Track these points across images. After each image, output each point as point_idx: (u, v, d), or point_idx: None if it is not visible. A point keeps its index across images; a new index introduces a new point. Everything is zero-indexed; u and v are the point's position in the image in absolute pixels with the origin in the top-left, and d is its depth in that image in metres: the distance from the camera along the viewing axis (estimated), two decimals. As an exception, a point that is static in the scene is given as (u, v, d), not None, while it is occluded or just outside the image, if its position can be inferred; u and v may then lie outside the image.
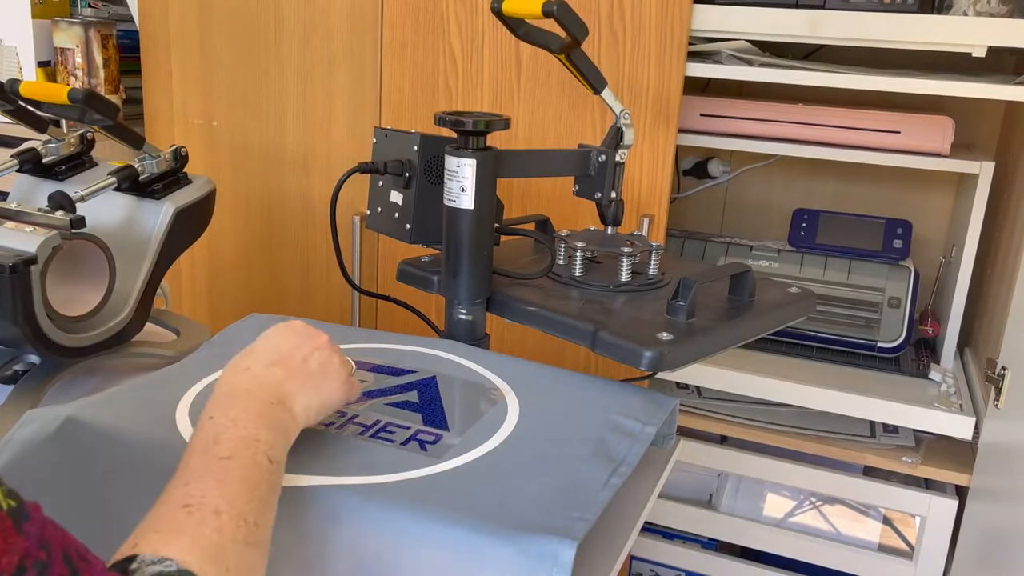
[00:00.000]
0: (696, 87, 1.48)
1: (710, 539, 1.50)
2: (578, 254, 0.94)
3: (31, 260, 0.79)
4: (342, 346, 0.88)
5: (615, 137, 0.95)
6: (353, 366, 0.74)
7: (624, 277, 0.94)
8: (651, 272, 0.96)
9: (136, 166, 0.97)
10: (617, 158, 0.94)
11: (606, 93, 0.95)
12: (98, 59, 1.54)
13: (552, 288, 0.93)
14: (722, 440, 1.43)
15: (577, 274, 0.94)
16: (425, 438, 0.71)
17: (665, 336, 0.80)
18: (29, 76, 1.55)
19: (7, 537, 0.42)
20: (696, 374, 1.38)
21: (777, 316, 0.91)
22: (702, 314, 0.86)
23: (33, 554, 0.43)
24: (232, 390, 0.63)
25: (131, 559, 0.49)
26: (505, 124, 0.84)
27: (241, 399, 0.62)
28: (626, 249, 0.93)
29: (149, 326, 1.00)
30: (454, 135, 0.84)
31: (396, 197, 0.93)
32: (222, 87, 1.51)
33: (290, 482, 0.63)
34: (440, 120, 0.83)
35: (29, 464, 0.66)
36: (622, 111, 0.95)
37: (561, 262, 0.97)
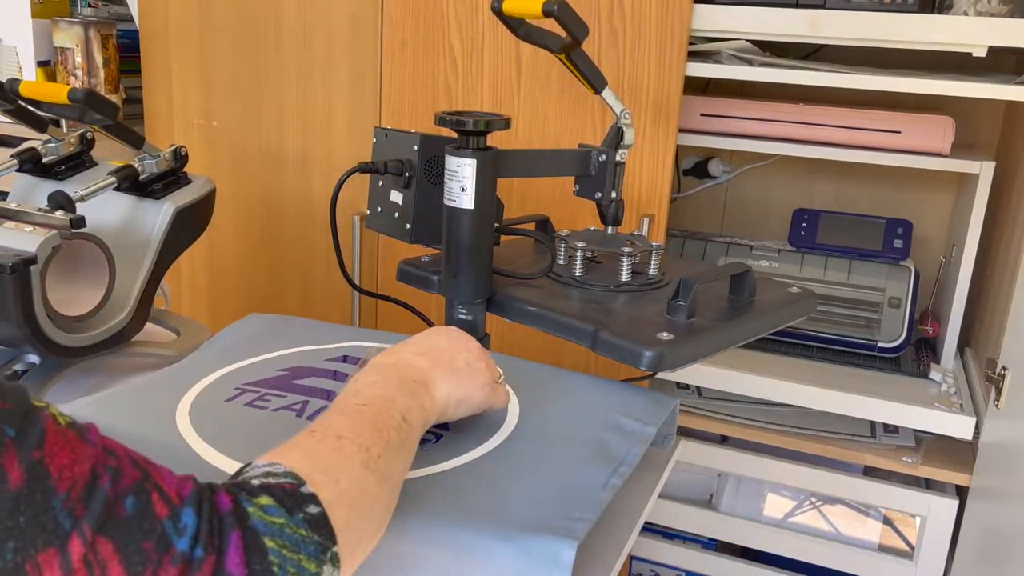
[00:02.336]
0: (696, 87, 1.48)
1: (710, 539, 1.50)
2: (578, 254, 0.94)
3: (31, 260, 0.79)
4: (343, 345, 0.88)
5: (615, 137, 0.95)
6: (501, 374, 0.75)
7: (624, 277, 0.93)
8: (651, 272, 0.96)
9: (136, 166, 0.97)
10: (617, 158, 0.94)
11: (606, 93, 0.95)
12: (98, 59, 1.54)
13: (552, 288, 0.93)
14: (722, 440, 1.43)
15: (577, 274, 0.94)
16: (425, 437, 0.71)
17: (665, 336, 0.80)
18: (29, 76, 1.55)
19: (74, 448, 0.43)
20: (696, 374, 1.38)
21: (777, 316, 0.91)
22: (702, 314, 0.86)
23: (102, 460, 0.44)
24: (377, 365, 0.66)
25: (245, 467, 0.51)
26: (505, 124, 0.84)
27: (384, 371, 0.65)
28: (626, 249, 0.93)
29: (149, 326, 1.00)
30: (454, 135, 0.84)
31: (396, 197, 0.93)
32: (222, 87, 1.51)
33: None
34: (440, 120, 0.83)
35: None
36: (623, 111, 0.95)
37: (561, 262, 0.97)
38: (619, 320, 0.84)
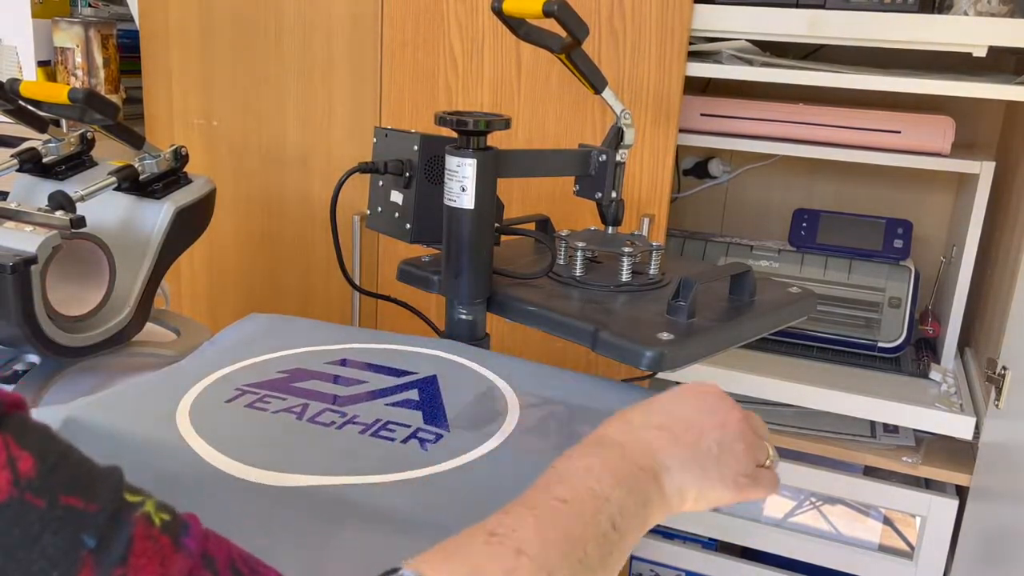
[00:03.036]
0: (696, 87, 1.48)
1: (710, 539, 1.49)
2: (579, 254, 0.94)
3: (31, 260, 0.79)
4: (343, 347, 0.88)
5: (616, 137, 0.95)
6: (770, 456, 0.60)
7: (624, 277, 0.93)
8: (651, 272, 0.96)
9: (136, 166, 0.97)
10: (617, 158, 0.94)
11: (607, 93, 0.95)
12: (98, 59, 1.54)
13: (552, 288, 0.93)
14: (722, 440, 1.42)
15: (577, 274, 0.94)
16: (425, 437, 0.71)
17: (666, 336, 0.80)
18: (29, 76, 1.55)
19: (166, 558, 0.37)
20: (696, 374, 1.38)
21: (778, 316, 0.91)
22: (702, 314, 0.86)
23: (197, 573, 0.38)
24: (602, 439, 0.54)
25: (393, 570, 0.42)
26: (506, 124, 0.84)
27: (607, 449, 0.52)
28: (626, 249, 0.93)
29: (149, 326, 1.00)
30: (454, 135, 0.84)
31: (396, 197, 0.93)
32: (222, 87, 1.51)
33: (289, 482, 0.63)
34: (441, 120, 0.83)
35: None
36: (623, 111, 0.95)
37: (561, 262, 0.97)
38: (619, 320, 0.84)
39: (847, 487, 1.34)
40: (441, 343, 0.88)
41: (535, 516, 0.46)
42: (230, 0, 1.46)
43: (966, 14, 1.17)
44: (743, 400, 1.40)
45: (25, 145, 1.00)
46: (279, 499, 0.59)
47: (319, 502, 0.62)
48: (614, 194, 0.95)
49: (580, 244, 0.94)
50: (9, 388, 0.87)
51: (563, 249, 0.98)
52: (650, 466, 0.53)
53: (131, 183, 0.96)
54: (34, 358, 0.92)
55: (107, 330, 0.92)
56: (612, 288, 0.92)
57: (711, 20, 1.24)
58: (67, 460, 0.37)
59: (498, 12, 0.88)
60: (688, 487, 0.54)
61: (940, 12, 1.20)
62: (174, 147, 1.00)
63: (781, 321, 0.92)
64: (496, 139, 0.86)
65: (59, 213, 0.85)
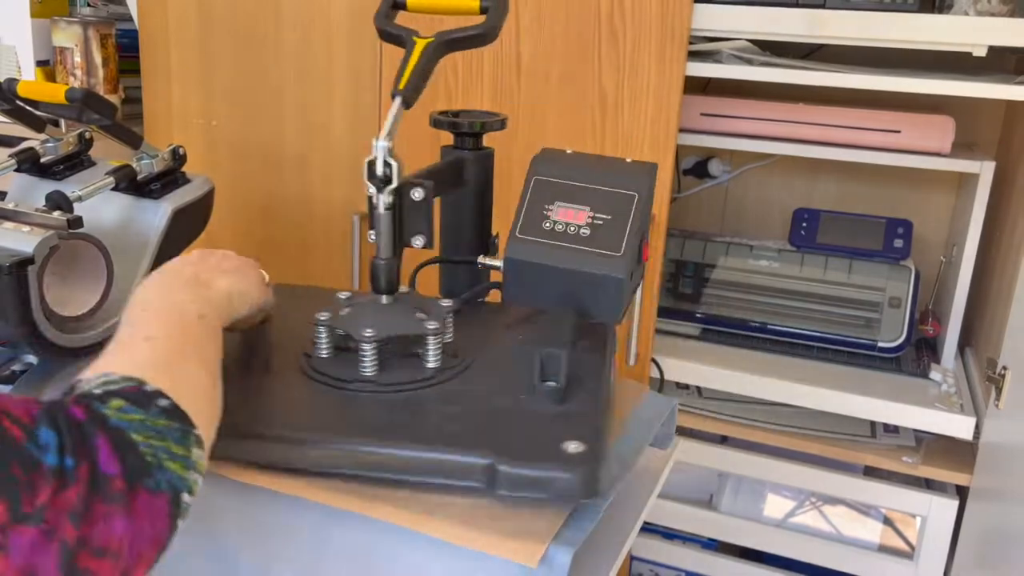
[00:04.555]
0: (696, 87, 1.48)
1: (710, 539, 1.49)
2: (368, 348, 0.70)
3: (28, 260, 0.79)
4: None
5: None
6: (267, 276, 0.78)
7: (431, 364, 0.72)
8: (448, 339, 0.75)
9: (134, 166, 0.97)
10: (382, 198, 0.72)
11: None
12: (97, 58, 1.54)
13: (338, 409, 0.68)
14: (722, 440, 1.42)
15: (368, 373, 0.70)
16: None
17: (573, 447, 0.61)
18: (28, 75, 1.55)
19: None
20: (696, 374, 1.38)
21: (611, 362, 0.77)
22: (571, 391, 0.68)
23: None
24: (151, 278, 0.67)
25: (74, 384, 0.51)
26: (501, 124, 0.84)
27: (161, 279, 0.67)
28: (430, 325, 0.72)
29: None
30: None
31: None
32: (222, 87, 1.51)
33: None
34: (436, 122, 0.83)
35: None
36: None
37: (324, 354, 0.73)
38: (498, 435, 0.64)
39: (847, 487, 1.34)
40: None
41: (140, 321, 0.60)
42: (230, 0, 1.46)
43: (966, 14, 1.17)
44: (743, 400, 1.40)
45: (23, 145, 1.00)
46: (277, 506, 0.59)
47: (314, 505, 0.62)
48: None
49: (368, 332, 0.70)
50: (7, 389, 0.87)
51: (325, 339, 0.73)
52: (195, 277, 0.68)
53: (129, 183, 0.96)
54: (32, 359, 0.92)
55: (105, 330, 0.92)
56: (425, 384, 0.70)
57: (711, 20, 1.23)
58: None
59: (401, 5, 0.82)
60: (232, 286, 0.70)
61: (940, 12, 1.20)
62: (172, 147, 1.00)
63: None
64: (496, 139, 0.85)
65: (56, 213, 0.84)
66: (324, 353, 0.73)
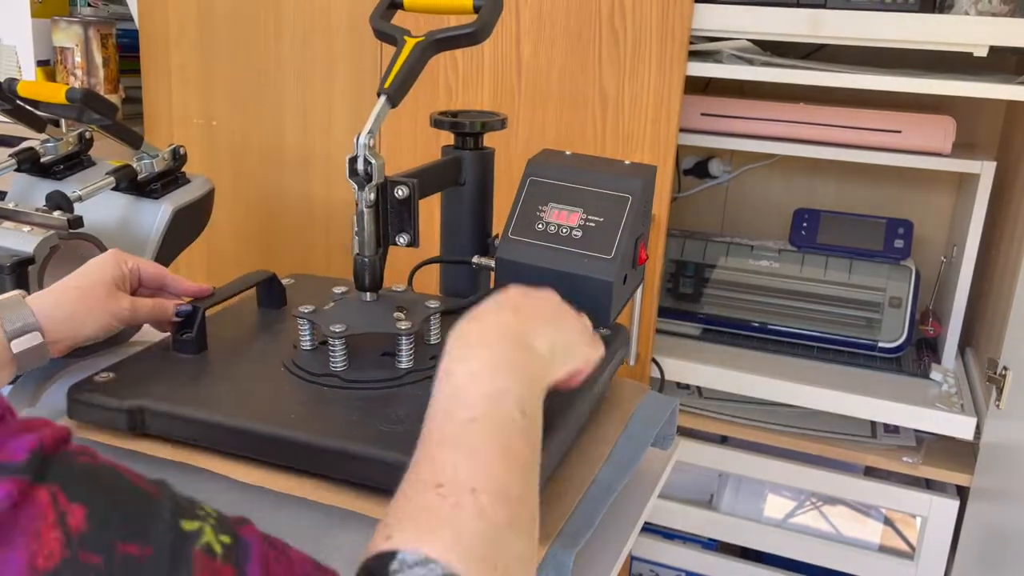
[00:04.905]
0: (697, 87, 1.48)
1: (710, 539, 1.49)
2: (337, 343, 0.70)
3: (28, 260, 0.79)
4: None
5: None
6: (590, 324, 0.64)
7: (405, 363, 0.71)
8: (432, 340, 0.75)
9: (134, 165, 0.97)
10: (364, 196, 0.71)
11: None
12: (97, 58, 1.54)
13: (309, 401, 0.68)
14: (722, 440, 1.42)
15: (337, 367, 0.70)
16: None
17: None
18: (28, 75, 1.55)
19: None
20: (696, 374, 1.38)
21: (603, 376, 0.76)
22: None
23: None
24: (464, 340, 0.53)
25: (390, 556, 0.41)
26: (501, 124, 0.83)
27: (476, 350, 0.52)
28: (403, 324, 0.70)
29: (147, 326, 1.00)
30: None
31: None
32: (222, 87, 1.51)
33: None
34: (436, 122, 0.83)
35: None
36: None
37: (308, 346, 0.74)
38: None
39: (847, 487, 1.34)
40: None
41: (462, 449, 0.46)
42: (230, 0, 1.46)
43: (967, 14, 1.17)
44: (743, 400, 1.40)
45: (23, 145, 1.00)
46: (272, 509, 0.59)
47: (316, 505, 0.62)
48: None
49: (337, 328, 0.70)
50: (7, 389, 0.87)
51: (307, 332, 0.74)
52: (516, 336, 0.54)
53: (129, 183, 0.96)
54: (32, 358, 0.92)
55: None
56: (390, 384, 0.69)
57: (711, 19, 1.23)
58: (117, 499, 0.36)
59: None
60: (556, 339, 0.57)
61: (941, 11, 1.20)
62: (172, 147, 1.00)
63: (605, 382, 0.76)
64: (496, 138, 0.85)
65: (57, 213, 0.85)
66: (307, 346, 0.74)
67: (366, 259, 0.71)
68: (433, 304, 0.75)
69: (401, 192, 0.71)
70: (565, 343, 0.58)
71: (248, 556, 0.37)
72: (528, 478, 0.48)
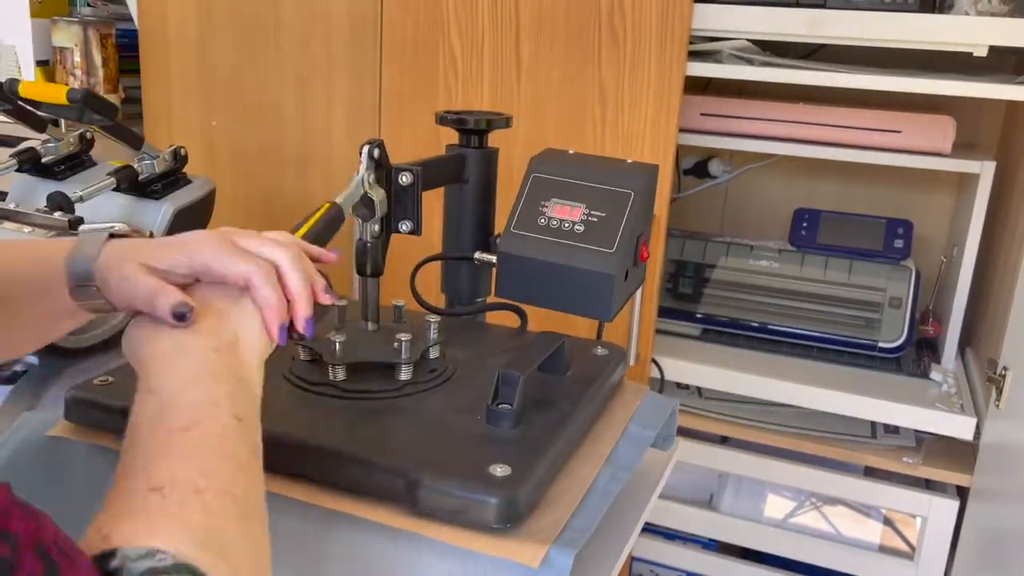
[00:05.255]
0: (697, 86, 1.48)
1: (710, 540, 1.49)
2: (336, 341, 0.72)
3: (29, 261, 0.79)
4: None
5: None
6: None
7: (404, 376, 0.72)
8: (432, 354, 0.75)
9: (135, 166, 0.97)
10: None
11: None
12: (97, 58, 1.54)
13: (304, 408, 0.69)
14: (722, 440, 1.42)
15: (339, 378, 0.71)
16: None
17: (500, 470, 0.60)
18: (28, 75, 1.55)
19: None
20: (696, 374, 1.38)
21: (600, 394, 0.76)
22: (533, 415, 0.68)
23: None
24: (162, 351, 0.53)
25: (110, 555, 0.40)
26: (506, 122, 0.84)
27: (175, 358, 0.52)
28: (403, 337, 0.72)
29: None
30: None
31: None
32: (222, 87, 1.51)
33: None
34: (441, 119, 0.83)
35: (23, 467, 0.66)
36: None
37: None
38: (424, 454, 0.63)
39: (847, 487, 1.34)
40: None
41: (179, 454, 0.46)
42: (230, 0, 1.46)
43: (967, 14, 1.17)
44: (743, 400, 1.39)
45: (24, 145, 1.00)
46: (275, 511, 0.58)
47: (316, 508, 0.62)
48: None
49: (338, 339, 0.71)
50: (7, 389, 0.87)
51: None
52: (222, 343, 0.53)
53: (130, 183, 0.96)
54: (33, 359, 0.92)
55: (106, 331, 0.92)
56: (389, 394, 0.70)
57: (711, 19, 1.23)
58: None
59: None
60: (257, 337, 0.55)
61: (941, 12, 1.20)
62: (173, 147, 1.00)
63: (603, 400, 0.77)
64: (497, 138, 0.85)
65: (58, 214, 0.85)
66: (306, 357, 0.74)
67: (367, 243, 0.73)
68: (433, 328, 0.76)
69: (405, 179, 0.72)
70: (240, 332, 0.55)
71: None
72: (251, 478, 0.48)
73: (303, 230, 0.64)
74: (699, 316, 1.49)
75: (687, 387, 1.46)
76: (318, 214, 0.66)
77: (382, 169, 0.72)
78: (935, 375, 1.35)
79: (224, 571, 0.42)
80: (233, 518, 0.45)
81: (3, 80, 0.94)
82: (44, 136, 1.02)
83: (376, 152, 0.70)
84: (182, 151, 1.00)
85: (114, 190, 0.95)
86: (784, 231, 1.55)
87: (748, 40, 1.27)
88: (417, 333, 0.75)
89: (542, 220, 0.75)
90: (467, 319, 0.88)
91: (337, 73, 1.43)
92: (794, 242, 1.51)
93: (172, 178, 1.00)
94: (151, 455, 0.46)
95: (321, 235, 0.65)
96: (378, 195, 0.71)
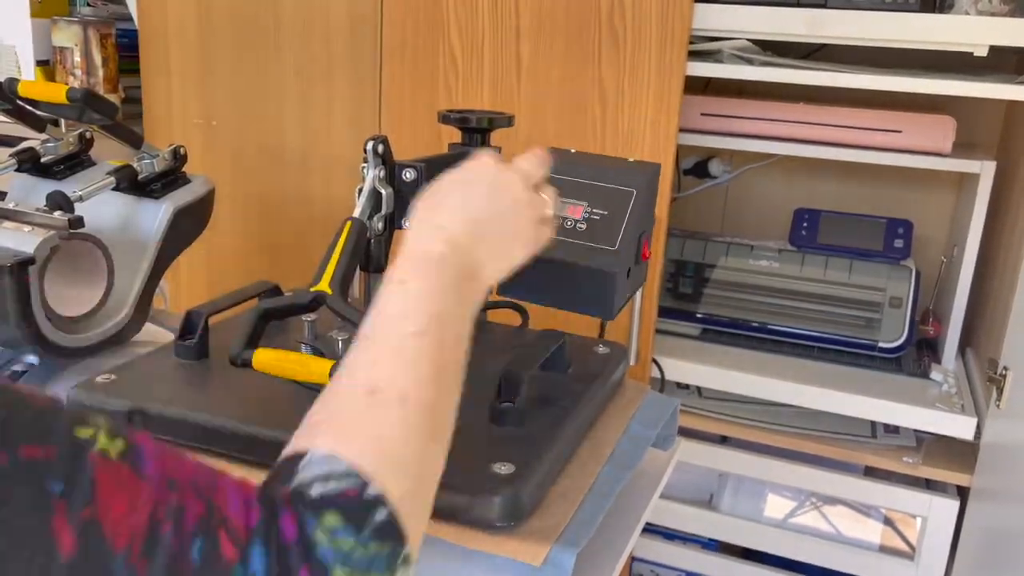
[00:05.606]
0: (696, 87, 1.48)
1: (711, 539, 1.49)
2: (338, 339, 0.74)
3: (29, 260, 0.79)
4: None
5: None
6: (548, 202, 0.66)
7: None
8: None
9: (135, 166, 0.97)
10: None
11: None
12: (97, 58, 1.54)
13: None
14: (722, 440, 1.42)
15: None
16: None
17: (504, 469, 0.61)
18: (28, 75, 1.55)
19: (131, 489, 0.37)
20: (696, 374, 1.38)
21: (601, 393, 0.77)
22: (536, 414, 0.69)
23: (163, 500, 0.38)
24: (426, 254, 0.56)
25: (301, 456, 0.44)
26: (508, 121, 0.83)
27: (434, 267, 0.55)
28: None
29: (148, 326, 1.00)
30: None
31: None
32: (222, 87, 1.51)
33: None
34: (444, 117, 0.83)
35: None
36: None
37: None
38: None
39: (847, 487, 1.34)
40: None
41: (403, 359, 0.49)
42: (229, 0, 1.46)
43: (967, 13, 1.17)
44: (743, 400, 1.39)
45: (23, 145, 1.00)
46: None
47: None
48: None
49: (341, 338, 0.73)
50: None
51: (309, 340, 0.77)
52: (472, 271, 0.57)
53: (130, 183, 0.96)
54: (33, 359, 0.92)
55: (106, 330, 0.92)
56: None
57: (711, 19, 1.23)
58: (17, 408, 0.38)
59: None
60: (501, 269, 0.61)
61: (941, 11, 1.20)
62: (173, 147, 1.00)
63: (604, 399, 0.78)
64: (496, 140, 0.85)
65: (57, 213, 0.84)
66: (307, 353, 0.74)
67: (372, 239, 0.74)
68: None
69: (409, 175, 0.72)
70: (505, 269, 0.61)
71: (141, 455, 0.39)
72: (453, 397, 0.51)
73: (334, 256, 0.69)
74: (699, 316, 1.49)
75: (687, 387, 1.46)
76: (343, 235, 0.69)
77: (386, 166, 0.72)
78: (935, 375, 1.35)
79: (399, 487, 0.44)
80: (424, 435, 0.47)
81: (3, 80, 0.94)
82: (43, 136, 1.02)
83: (380, 148, 0.70)
84: (181, 150, 1.00)
85: (113, 189, 0.95)
86: (784, 231, 1.55)
87: (748, 40, 1.27)
88: None
89: None
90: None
91: (337, 73, 1.42)
92: (794, 242, 1.51)
93: (172, 177, 1.00)
94: (381, 350, 0.50)
95: (354, 251, 0.69)
96: (387, 191, 0.71)
